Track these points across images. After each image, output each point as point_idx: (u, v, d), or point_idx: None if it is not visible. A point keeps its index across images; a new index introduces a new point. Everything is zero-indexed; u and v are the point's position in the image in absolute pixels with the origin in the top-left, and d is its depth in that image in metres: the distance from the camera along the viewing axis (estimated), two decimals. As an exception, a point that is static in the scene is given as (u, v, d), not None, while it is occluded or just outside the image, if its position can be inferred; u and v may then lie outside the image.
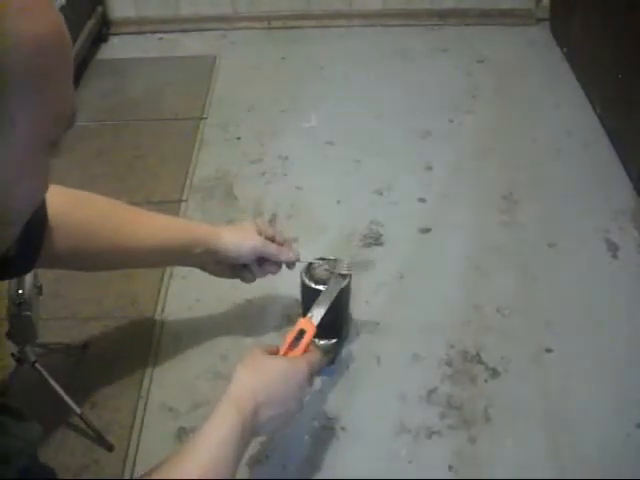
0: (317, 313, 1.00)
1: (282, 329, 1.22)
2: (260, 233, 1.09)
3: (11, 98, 0.47)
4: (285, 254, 1.10)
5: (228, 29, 2.25)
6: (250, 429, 0.81)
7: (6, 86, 0.46)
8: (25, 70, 0.47)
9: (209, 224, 1.13)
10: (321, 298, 1.03)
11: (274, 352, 0.93)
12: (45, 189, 0.57)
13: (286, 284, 1.26)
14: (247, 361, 0.87)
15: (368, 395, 1.11)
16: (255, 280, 1.14)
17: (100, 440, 1.04)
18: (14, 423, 0.53)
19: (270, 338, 1.21)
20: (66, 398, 1.03)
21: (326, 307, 1.01)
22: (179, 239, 1.05)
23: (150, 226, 1.04)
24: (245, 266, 1.12)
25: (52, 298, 1.30)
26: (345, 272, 1.07)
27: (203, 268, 1.13)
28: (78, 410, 1.03)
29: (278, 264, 1.12)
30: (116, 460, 1.03)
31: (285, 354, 0.93)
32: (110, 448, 1.04)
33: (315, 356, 0.94)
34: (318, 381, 1.13)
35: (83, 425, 1.04)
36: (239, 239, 1.08)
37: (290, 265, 1.12)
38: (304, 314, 1.16)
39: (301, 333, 0.96)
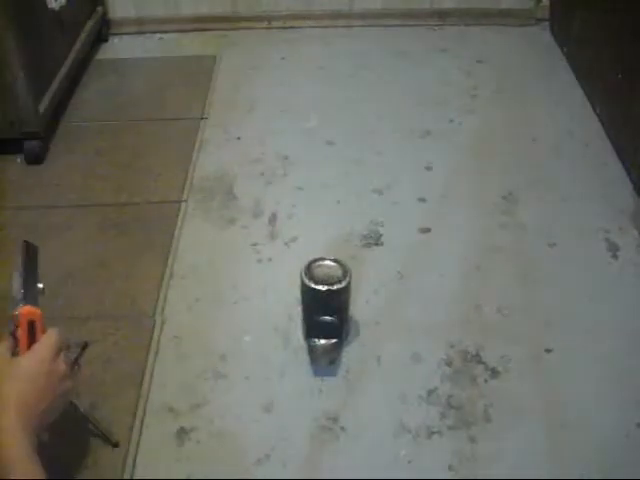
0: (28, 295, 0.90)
1: (282, 329, 1.22)
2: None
3: None
4: None
5: (228, 29, 2.25)
6: (31, 432, 0.80)
7: None
8: None
9: None
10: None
11: (16, 351, 0.88)
12: None
13: (286, 284, 1.26)
14: None
15: (368, 395, 1.11)
16: None
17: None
18: None
19: (270, 338, 1.21)
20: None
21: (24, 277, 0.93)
22: None
23: None
24: None
25: (52, 298, 1.30)
26: None
27: None
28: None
29: None
30: (116, 460, 1.03)
31: (28, 348, 0.88)
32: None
33: (50, 336, 0.89)
34: (318, 381, 1.13)
35: (83, 426, 1.04)
36: None
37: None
38: (304, 314, 1.16)
39: (31, 323, 0.90)
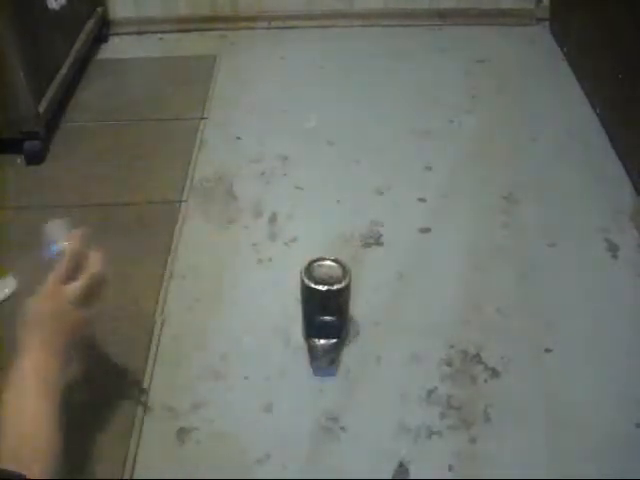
0: None
1: (282, 329, 1.22)
2: None
3: None
4: None
5: (228, 29, 2.25)
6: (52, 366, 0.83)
7: None
8: None
9: None
10: None
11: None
12: None
13: (286, 284, 1.26)
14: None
15: (368, 395, 1.11)
16: None
17: None
18: None
19: (270, 338, 1.21)
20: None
21: None
22: None
23: None
24: None
25: (52, 298, 1.30)
26: None
27: None
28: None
29: None
30: (116, 460, 1.03)
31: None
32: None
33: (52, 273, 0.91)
34: (318, 381, 1.13)
35: (83, 424, 1.04)
36: None
37: None
38: (304, 314, 1.16)
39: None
